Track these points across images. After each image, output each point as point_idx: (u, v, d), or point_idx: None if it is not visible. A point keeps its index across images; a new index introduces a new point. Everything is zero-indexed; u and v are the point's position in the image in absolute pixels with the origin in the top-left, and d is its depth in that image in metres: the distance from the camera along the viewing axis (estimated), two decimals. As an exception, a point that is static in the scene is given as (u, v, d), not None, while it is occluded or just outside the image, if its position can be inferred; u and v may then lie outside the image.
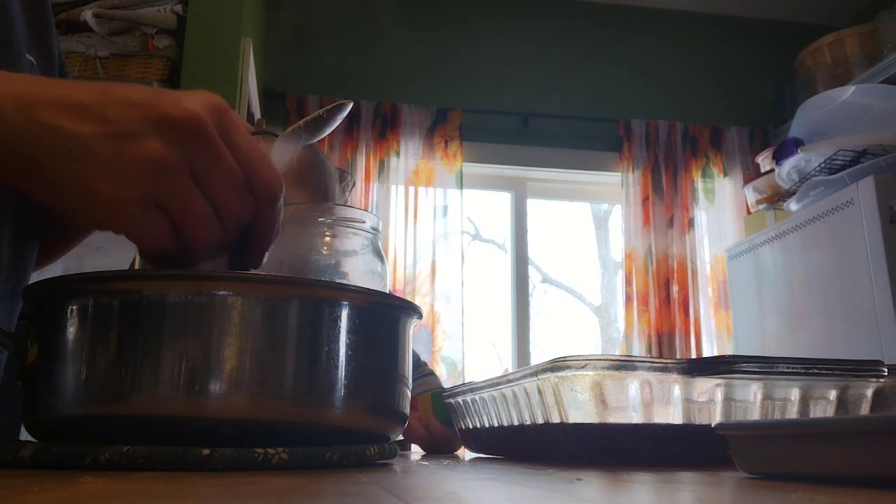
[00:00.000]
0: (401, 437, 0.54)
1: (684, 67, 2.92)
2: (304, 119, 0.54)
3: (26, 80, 0.36)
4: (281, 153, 0.52)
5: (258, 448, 0.32)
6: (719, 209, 2.75)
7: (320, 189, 0.86)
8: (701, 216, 2.77)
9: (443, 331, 2.47)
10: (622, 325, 2.63)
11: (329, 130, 0.57)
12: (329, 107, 0.55)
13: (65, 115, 0.34)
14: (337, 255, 0.58)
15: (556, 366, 0.44)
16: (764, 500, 0.24)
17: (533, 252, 2.80)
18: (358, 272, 0.58)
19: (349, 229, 0.58)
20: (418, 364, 0.98)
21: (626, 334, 2.59)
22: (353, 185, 2.46)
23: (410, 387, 0.43)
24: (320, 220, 0.58)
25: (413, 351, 0.97)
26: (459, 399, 0.66)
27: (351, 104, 0.57)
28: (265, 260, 0.41)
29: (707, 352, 2.58)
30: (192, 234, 0.36)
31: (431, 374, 1.01)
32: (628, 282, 2.63)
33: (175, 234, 0.36)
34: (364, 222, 0.58)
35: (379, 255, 0.59)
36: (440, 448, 0.82)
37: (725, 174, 2.77)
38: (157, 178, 0.34)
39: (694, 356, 2.28)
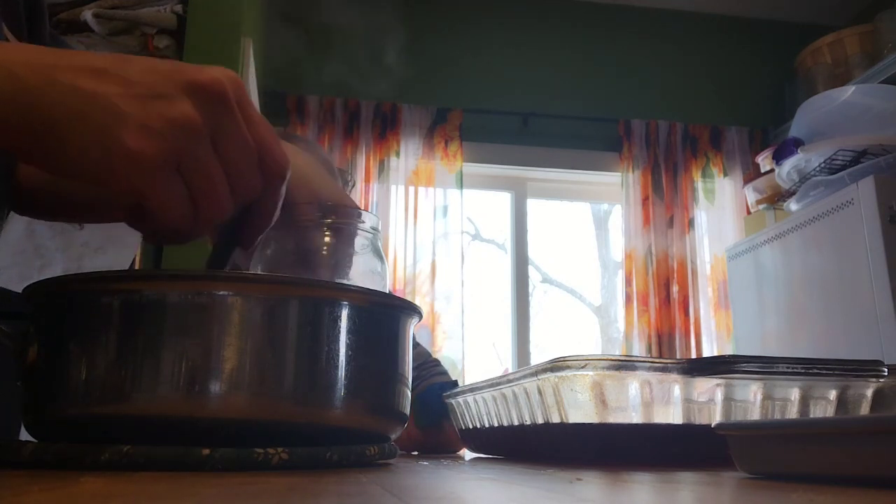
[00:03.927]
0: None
1: (684, 67, 2.92)
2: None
3: (39, 49, 0.35)
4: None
5: (258, 448, 0.32)
6: (719, 209, 2.75)
7: (339, 182, 0.85)
8: (701, 216, 2.77)
9: (443, 331, 2.47)
10: (622, 325, 2.63)
11: None
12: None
13: (86, 77, 0.34)
14: (337, 254, 0.58)
15: (556, 366, 0.44)
16: (764, 500, 0.24)
17: (533, 252, 2.80)
18: (358, 272, 0.58)
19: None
20: (427, 363, 0.91)
21: (626, 334, 2.59)
22: (354, 185, 2.46)
23: (410, 387, 0.43)
24: (320, 220, 0.58)
25: (423, 349, 0.94)
26: (459, 399, 0.66)
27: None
28: (257, 244, 0.40)
29: (707, 352, 2.58)
30: (206, 203, 0.36)
31: (443, 374, 0.92)
32: (628, 282, 2.63)
33: (189, 203, 0.35)
34: (364, 222, 0.58)
35: (379, 255, 0.59)
36: (437, 450, 0.81)
37: (725, 174, 2.77)
38: (183, 139, 0.34)
39: (694, 356, 2.28)
